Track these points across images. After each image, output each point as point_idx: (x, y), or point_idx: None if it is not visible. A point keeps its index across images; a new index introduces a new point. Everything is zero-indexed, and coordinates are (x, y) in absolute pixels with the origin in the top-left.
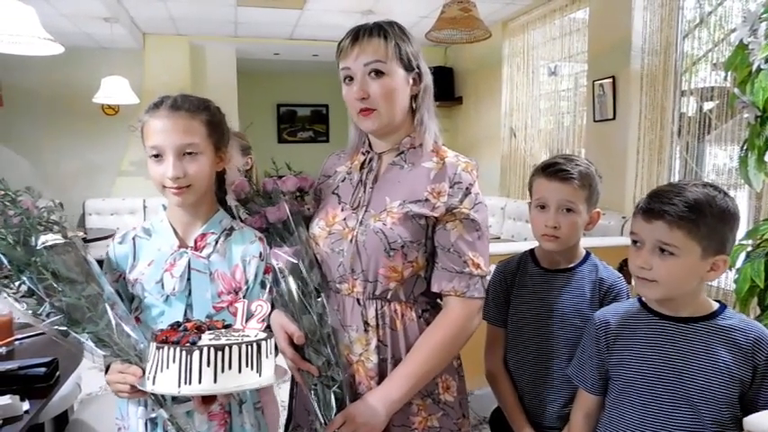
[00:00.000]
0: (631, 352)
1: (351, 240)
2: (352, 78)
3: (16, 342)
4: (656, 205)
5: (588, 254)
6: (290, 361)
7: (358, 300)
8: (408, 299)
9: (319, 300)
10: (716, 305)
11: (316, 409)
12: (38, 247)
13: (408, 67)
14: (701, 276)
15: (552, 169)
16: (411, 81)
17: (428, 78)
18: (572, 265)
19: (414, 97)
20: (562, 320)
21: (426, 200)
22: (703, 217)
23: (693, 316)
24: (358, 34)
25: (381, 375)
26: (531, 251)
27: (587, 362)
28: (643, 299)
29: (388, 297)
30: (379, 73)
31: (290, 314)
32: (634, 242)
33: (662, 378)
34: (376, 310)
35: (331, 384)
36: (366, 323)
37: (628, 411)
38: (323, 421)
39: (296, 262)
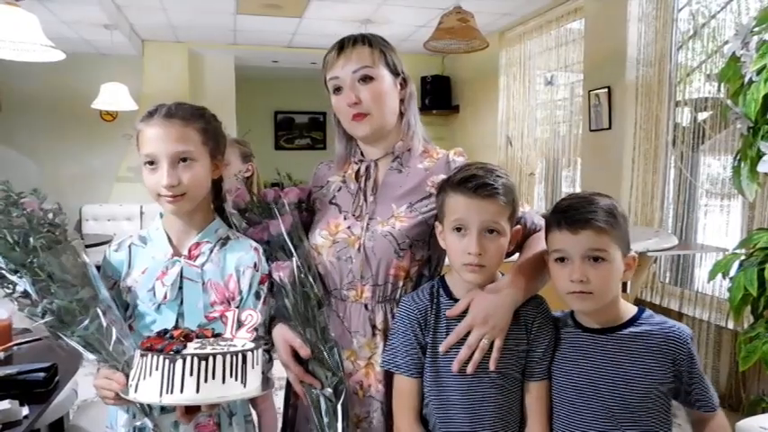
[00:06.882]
0: (570, 372)
1: (358, 248)
2: (341, 88)
3: (15, 347)
4: (580, 215)
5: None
6: (294, 374)
7: (366, 305)
8: None
9: (322, 311)
10: (635, 309)
11: (317, 422)
12: (36, 248)
13: (394, 71)
14: (620, 278)
15: (472, 184)
16: (398, 85)
17: (412, 84)
18: None
19: (401, 101)
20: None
21: (430, 194)
22: (616, 220)
23: (617, 324)
24: (343, 44)
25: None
26: (442, 280)
27: None
28: (575, 314)
29: (397, 297)
30: (368, 78)
31: (294, 327)
32: (560, 259)
33: (599, 394)
34: (385, 314)
35: (333, 397)
36: (374, 327)
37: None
38: None
39: (300, 274)
